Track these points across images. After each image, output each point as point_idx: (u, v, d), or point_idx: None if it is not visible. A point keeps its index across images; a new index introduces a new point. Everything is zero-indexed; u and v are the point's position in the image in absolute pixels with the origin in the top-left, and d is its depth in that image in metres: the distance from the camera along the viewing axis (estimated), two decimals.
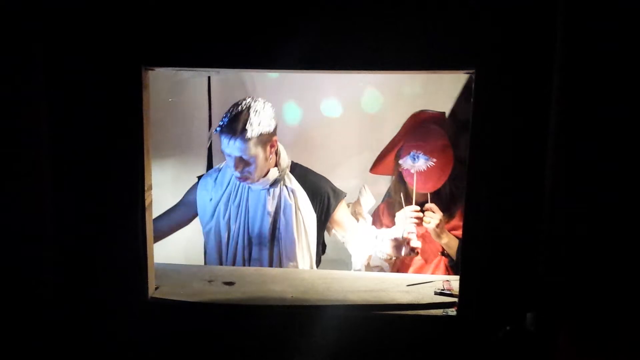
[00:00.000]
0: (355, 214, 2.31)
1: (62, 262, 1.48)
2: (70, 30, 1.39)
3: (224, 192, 2.21)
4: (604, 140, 1.25)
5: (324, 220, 2.24)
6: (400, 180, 2.21)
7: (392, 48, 1.37)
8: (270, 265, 2.17)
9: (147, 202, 1.46)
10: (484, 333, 1.45)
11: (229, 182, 2.21)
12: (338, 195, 2.26)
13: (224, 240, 2.20)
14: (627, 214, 1.27)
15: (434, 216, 2.05)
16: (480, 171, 1.39)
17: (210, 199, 2.21)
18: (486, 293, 1.43)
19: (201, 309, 1.50)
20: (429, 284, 1.66)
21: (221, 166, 2.28)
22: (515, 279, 1.42)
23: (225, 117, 2.05)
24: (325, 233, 2.30)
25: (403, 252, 1.96)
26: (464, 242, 1.44)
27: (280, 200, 2.18)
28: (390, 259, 2.04)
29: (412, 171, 2.03)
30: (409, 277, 1.78)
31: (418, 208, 2.04)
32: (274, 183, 2.18)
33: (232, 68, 1.59)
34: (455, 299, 1.51)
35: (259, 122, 2.03)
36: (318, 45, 1.37)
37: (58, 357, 1.51)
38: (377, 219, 2.32)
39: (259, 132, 2.03)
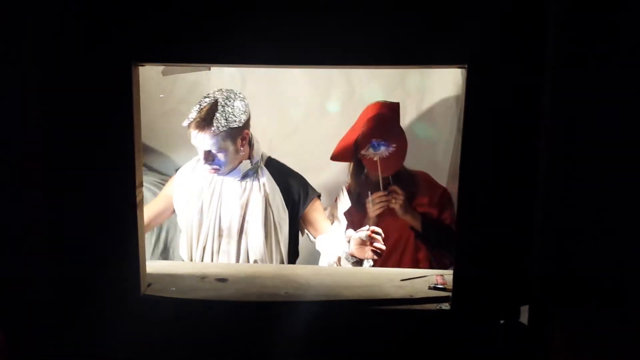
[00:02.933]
0: (332, 217, 2.31)
1: (53, 260, 1.46)
2: (59, 26, 1.37)
3: (199, 183, 2.20)
4: (599, 135, 1.25)
5: (295, 218, 2.23)
6: (358, 167, 2.38)
7: (383, 42, 1.36)
8: (237, 259, 2.16)
9: (137, 199, 1.45)
10: (478, 327, 1.45)
11: (206, 172, 2.20)
12: (311, 193, 2.24)
13: (195, 231, 2.19)
14: (621, 207, 1.27)
15: (398, 197, 2.26)
16: (473, 166, 1.39)
17: (186, 190, 2.20)
18: (480, 287, 1.44)
19: (194, 305, 1.49)
20: (423, 279, 1.66)
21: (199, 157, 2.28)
22: (509, 273, 1.42)
23: (194, 111, 2.05)
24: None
25: (367, 254, 1.97)
26: (457, 237, 1.44)
27: (250, 194, 2.17)
28: (355, 261, 2.03)
29: (374, 159, 2.21)
30: (403, 272, 1.78)
31: (385, 193, 2.25)
32: (246, 175, 2.16)
33: (219, 64, 1.58)
34: (449, 294, 1.51)
35: (227, 116, 2.02)
36: (308, 39, 1.36)
37: (49, 355, 1.49)
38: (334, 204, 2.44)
39: (227, 127, 2.02)
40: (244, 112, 2.08)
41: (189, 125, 2.04)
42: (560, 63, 1.25)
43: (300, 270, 1.81)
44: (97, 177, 1.43)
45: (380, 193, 2.25)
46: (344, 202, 2.29)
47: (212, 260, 2.17)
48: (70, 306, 1.49)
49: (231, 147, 2.08)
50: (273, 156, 2.30)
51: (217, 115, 2.02)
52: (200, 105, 2.05)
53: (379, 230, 1.99)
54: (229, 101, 2.06)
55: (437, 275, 1.67)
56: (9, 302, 1.46)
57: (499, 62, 1.34)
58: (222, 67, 2.70)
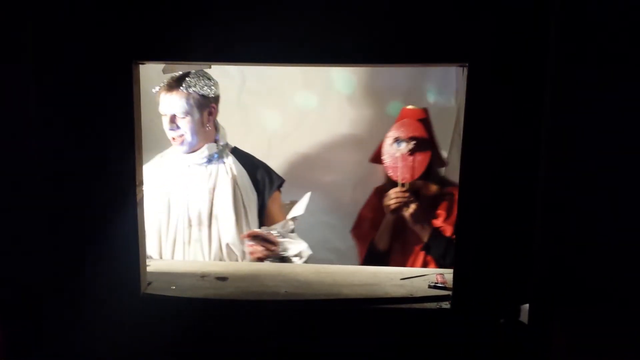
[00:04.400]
0: (284, 214, 2.31)
1: (53, 258, 1.46)
2: (58, 24, 1.37)
3: (166, 174, 2.21)
4: (601, 134, 1.25)
5: (262, 202, 2.24)
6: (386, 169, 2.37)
7: (384, 40, 1.36)
8: (210, 246, 2.16)
9: (138, 198, 1.45)
10: (478, 326, 1.45)
11: (172, 164, 2.21)
12: (276, 181, 2.27)
13: (164, 225, 2.18)
14: (621, 206, 1.27)
15: (411, 204, 2.24)
16: (473, 165, 1.39)
17: (151, 187, 2.20)
18: (480, 286, 1.44)
19: (194, 304, 1.49)
20: (423, 278, 1.66)
21: (167, 150, 2.29)
22: (509, 271, 1.42)
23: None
24: None
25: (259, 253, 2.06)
26: (457, 236, 1.44)
27: (217, 177, 2.18)
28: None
29: (397, 155, 2.24)
30: (403, 270, 1.78)
31: (403, 189, 2.24)
32: (212, 159, 2.17)
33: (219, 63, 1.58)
34: (449, 292, 1.51)
35: (197, 81, 2.08)
36: (309, 38, 1.36)
37: (50, 353, 1.49)
38: (368, 201, 2.47)
39: (195, 91, 2.07)
40: (214, 85, 2.15)
41: (158, 92, 2.09)
42: (562, 61, 1.25)
43: (300, 269, 1.81)
44: (97, 175, 1.43)
45: (397, 189, 2.24)
46: (299, 208, 2.26)
47: (182, 252, 2.16)
48: (70, 305, 1.48)
49: (197, 115, 2.11)
50: (273, 154, 2.31)
51: (188, 78, 2.08)
52: (172, 76, 2.12)
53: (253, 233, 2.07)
54: (201, 72, 2.13)
55: (437, 274, 1.67)
56: (8, 301, 1.46)
57: (501, 60, 1.34)
58: (222, 65, 2.70)
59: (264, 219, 2.26)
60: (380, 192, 2.41)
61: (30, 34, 1.37)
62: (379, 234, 2.35)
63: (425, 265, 2.29)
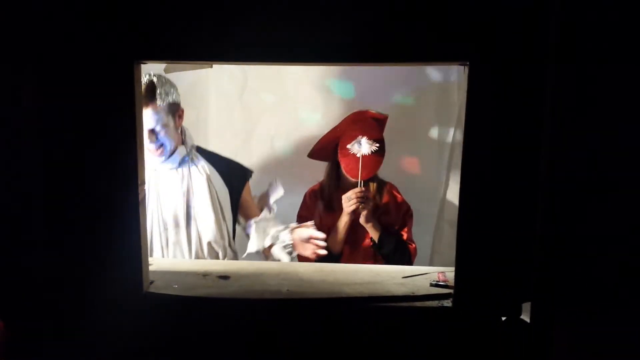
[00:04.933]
0: (261, 204, 2.34)
1: (55, 257, 1.46)
2: (60, 24, 1.37)
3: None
4: (601, 132, 1.25)
5: (236, 196, 2.27)
6: (333, 167, 2.46)
7: (384, 39, 1.36)
8: (189, 246, 2.17)
9: (140, 197, 1.46)
10: (480, 324, 1.45)
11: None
12: (248, 174, 2.32)
13: None
14: (622, 205, 1.27)
15: (367, 202, 2.34)
16: (474, 163, 1.39)
17: None
18: (481, 284, 1.44)
19: (196, 303, 1.50)
20: (424, 276, 1.66)
21: None
22: (510, 269, 1.42)
23: None
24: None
25: (308, 252, 2.12)
26: (458, 234, 1.44)
27: (190, 178, 2.19)
28: (291, 253, 2.15)
29: (357, 155, 2.28)
30: (405, 269, 1.78)
31: (362, 189, 2.32)
32: (183, 162, 2.18)
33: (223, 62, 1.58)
34: (451, 291, 1.52)
35: (167, 90, 2.08)
36: (308, 36, 1.37)
37: (52, 352, 1.50)
38: (303, 203, 2.54)
39: (169, 101, 2.07)
40: (176, 88, 2.15)
41: None
42: (562, 60, 1.25)
43: (302, 267, 1.81)
44: (99, 174, 1.43)
45: (358, 189, 2.32)
46: (278, 191, 2.32)
47: (162, 255, 2.17)
48: (73, 304, 1.49)
49: (172, 123, 2.12)
50: (274, 151, 2.32)
51: (159, 90, 2.06)
52: None
53: (320, 235, 2.14)
54: (163, 78, 2.12)
55: (439, 272, 1.67)
56: (9, 300, 1.47)
57: (501, 59, 1.34)
58: (223, 64, 2.70)
59: (238, 210, 2.30)
60: (316, 194, 2.51)
61: (32, 34, 1.37)
62: (332, 237, 2.40)
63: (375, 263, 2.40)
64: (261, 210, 2.28)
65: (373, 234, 2.40)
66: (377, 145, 2.27)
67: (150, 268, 1.63)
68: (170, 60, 1.55)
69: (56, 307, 1.49)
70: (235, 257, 2.30)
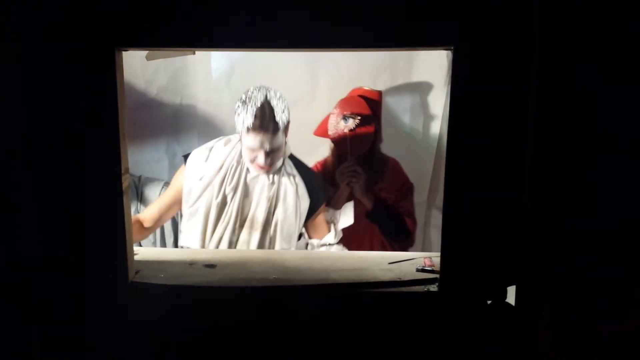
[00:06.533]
0: (328, 224, 2.35)
1: (39, 248, 1.45)
2: (40, 11, 1.35)
3: (217, 173, 2.18)
4: (591, 117, 1.25)
5: (311, 211, 2.25)
6: (334, 143, 2.58)
7: (368, 25, 1.35)
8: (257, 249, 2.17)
9: (124, 186, 1.44)
10: (466, 308, 1.46)
11: (223, 163, 2.19)
12: (327, 191, 2.34)
13: (212, 222, 2.17)
14: (608, 191, 1.28)
15: (358, 176, 2.46)
16: (459, 150, 1.39)
17: (200, 178, 2.18)
18: (467, 269, 1.44)
19: (183, 291, 1.49)
20: (411, 262, 1.67)
21: (212, 145, 2.25)
22: (496, 254, 1.43)
23: (247, 115, 2.04)
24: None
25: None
26: (444, 219, 1.44)
27: (280, 185, 2.18)
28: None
29: (345, 130, 2.42)
30: (391, 255, 1.79)
31: (350, 164, 2.46)
32: (277, 170, 2.18)
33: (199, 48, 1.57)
34: (437, 275, 1.52)
35: (283, 110, 2.06)
36: (294, 22, 1.35)
37: (35, 345, 1.49)
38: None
39: (287, 121, 2.08)
40: (287, 103, 2.13)
41: (249, 131, 2.04)
42: (548, 47, 1.25)
43: (289, 255, 1.81)
44: (82, 163, 1.42)
45: (347, 164, 2.45)
46: (348, 218, 2.37)
47: None
48: (57, 294, 1.48)
49: (284, 141, 2.12)
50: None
51: (277, 111, 2.04)
52: (251, 109, 2.04)
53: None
54: (275, 93, 2.09)
55: (425, 257, 1.68)
56: None
57: (487, 44, 1.33)
58: (207, 50, 2.68)
59: (308, 227, 2.30)
60: (323, 165, 2.65)
61: (12, 22, 1.35)
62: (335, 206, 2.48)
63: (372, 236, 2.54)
64: (329, 230, 2.31)
65: (367, 204, 2.51)
66: (359, 118, 2.40)
67: (136, 257, 1.61)
68: (152, 47, 1.53)
69: (40, 297, 1.47)
70: None
